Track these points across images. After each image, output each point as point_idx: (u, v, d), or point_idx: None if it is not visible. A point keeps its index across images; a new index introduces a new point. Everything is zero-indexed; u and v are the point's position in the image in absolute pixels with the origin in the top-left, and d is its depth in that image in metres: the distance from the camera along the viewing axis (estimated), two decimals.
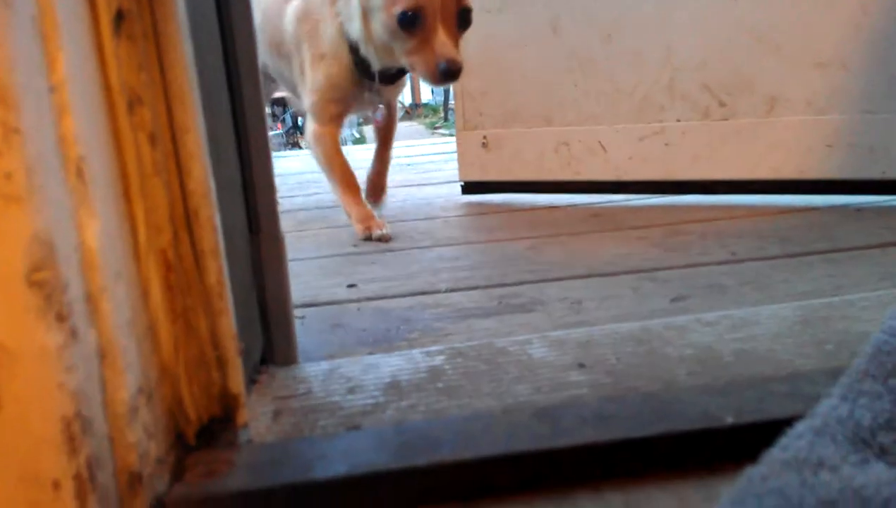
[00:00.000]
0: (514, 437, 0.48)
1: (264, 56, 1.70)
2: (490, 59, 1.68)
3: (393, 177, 2.47)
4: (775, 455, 0.36)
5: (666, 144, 1.55)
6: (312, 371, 0.69)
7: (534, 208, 1.67)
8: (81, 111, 0.38)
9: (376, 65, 1.43)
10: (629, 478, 0.46)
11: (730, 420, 0.48)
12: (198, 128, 0.46)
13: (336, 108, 1.54)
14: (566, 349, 0.69)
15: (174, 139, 0.45)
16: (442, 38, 1.26)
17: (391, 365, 0.69)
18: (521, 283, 1.08)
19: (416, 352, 0.72)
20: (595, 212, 1.56)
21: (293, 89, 1.74)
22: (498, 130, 1.72)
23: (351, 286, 1.13)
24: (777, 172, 1.49)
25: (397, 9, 1.26)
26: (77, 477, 0.35)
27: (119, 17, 0.41)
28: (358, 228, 1.47)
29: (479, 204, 1.76)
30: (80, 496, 0.36)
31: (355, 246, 1.41)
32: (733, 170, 1.52)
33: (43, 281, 0.34)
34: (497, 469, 0.46)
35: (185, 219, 0.46)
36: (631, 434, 0.47)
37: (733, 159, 1.52)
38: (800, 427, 0.41)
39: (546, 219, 1.55)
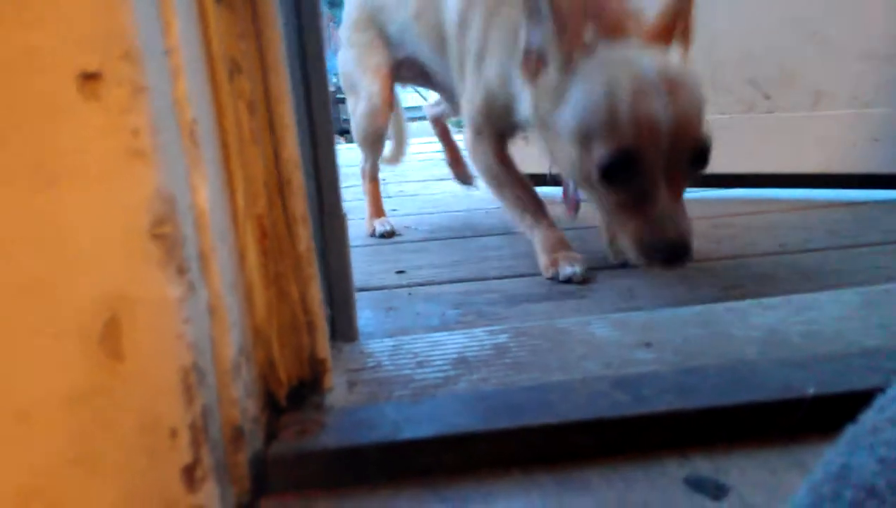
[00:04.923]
0: (595, 404, 0.49)
1: (416, 40, 1.36)
2: None
3: (429, 171, 2.49)
4: (874, 415, 0.37)
5: None
6: (378, 347, 0.70)
7: None
8: (191, 76, 0.39)
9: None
10: (714, 445, 0.46)
11: (812, 390, 0.48)
12: (290, 98, 0.47)
13: (499, 126, 1.17)
14: (629, 329, 0.70)
15: (269, 108, 0.46)
16: (664, 201, 0.85)
17: (456, 342, 0.69)
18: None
19: (478, 331, 0.73)
20: None
21: (448, 88, 1.38)
22: None
23: (400, 272, 1.14)
24: (823, 166, 1.48)
25: (602, 154, 0.83)
26: (193, 426, 0.37)
27: None
28: (543, 261, 1.06)
29: None
30: (195, 444, 0.37)
31: (400, 234, 1.43)
32: (778, 164, 1.51)
33: (165, 234, 0.35)
34: (581, 434, 0.47)
35: (279, 187, 0.47)
36: (714, 402, 0.47)
37: (778, 153, 1.51)
38: (892, 391, 0.41)
39: (586, 210, 1.55)
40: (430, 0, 1.26)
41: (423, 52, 1.37)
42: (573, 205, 1.24)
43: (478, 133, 1.19)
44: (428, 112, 1.79)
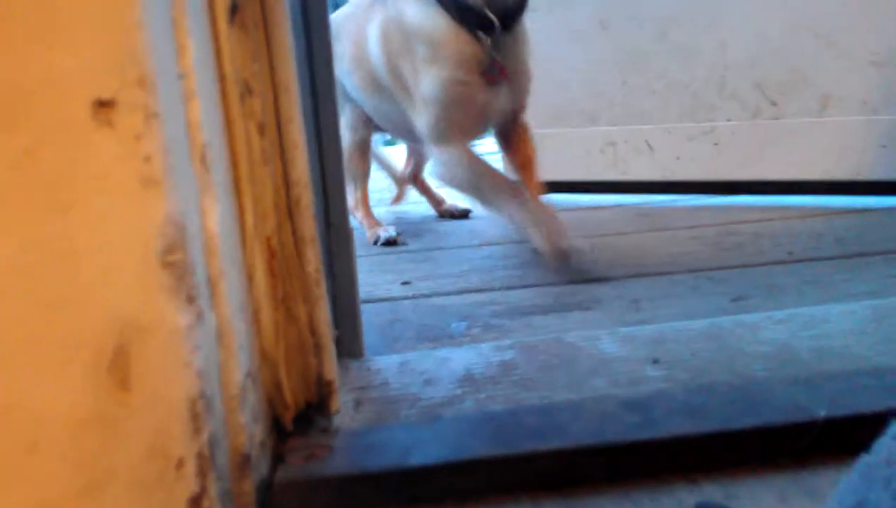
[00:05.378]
0: (605, 428, 0.48)
1: (361, 96, 1.49)
2: (536, 58, 1.68)
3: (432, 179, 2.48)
4: (889, 444, 0.36)
5: (715, 144, 1.54)
6: (385, 363, 0.69)
7: (579, 208, 1.66)
8: (204, 99, 0.39)
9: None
10: (724, 470, 0.46)
11: (823, 413, 0.47)
12: (300, 119, 0.47)
13: (461, 117, 1.21)
14: (637, 345, 0.69)
15: (279, 129, 0.46)
16: None
17: (463, 358, 0.69)
18: (576, 282, 1.08)
19: (485, 347, 0.72)
20: (643, 212, 1.55)
21: (403, 130, 1.47)
22: (543, 130, 1.72)
23: (405, 283, 1.13)
24: (830, 173, 1.47)
25: None
26: (200, 456, 0.36)
27: (233, 8, 0.43)
28: (546, 245, 1.12)
29: None
30: (201, 474, 0.37)
31: (404, 243, 1.42)
32: (785, 170, 1.51)
33: (175, 262, 0.35)
34: (590, 458, 0.46)
35: (288, 208, 0.47)
36: (725, 426, 0.47)
37: (785, 160, 1.50)
38: None
39: (593, 218, 1.55)
40: (368, 65, 1.38)
41: (361, 98, 1.50)
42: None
43: (444, 141, 1.23)
44: (406, 174, 1.88)
